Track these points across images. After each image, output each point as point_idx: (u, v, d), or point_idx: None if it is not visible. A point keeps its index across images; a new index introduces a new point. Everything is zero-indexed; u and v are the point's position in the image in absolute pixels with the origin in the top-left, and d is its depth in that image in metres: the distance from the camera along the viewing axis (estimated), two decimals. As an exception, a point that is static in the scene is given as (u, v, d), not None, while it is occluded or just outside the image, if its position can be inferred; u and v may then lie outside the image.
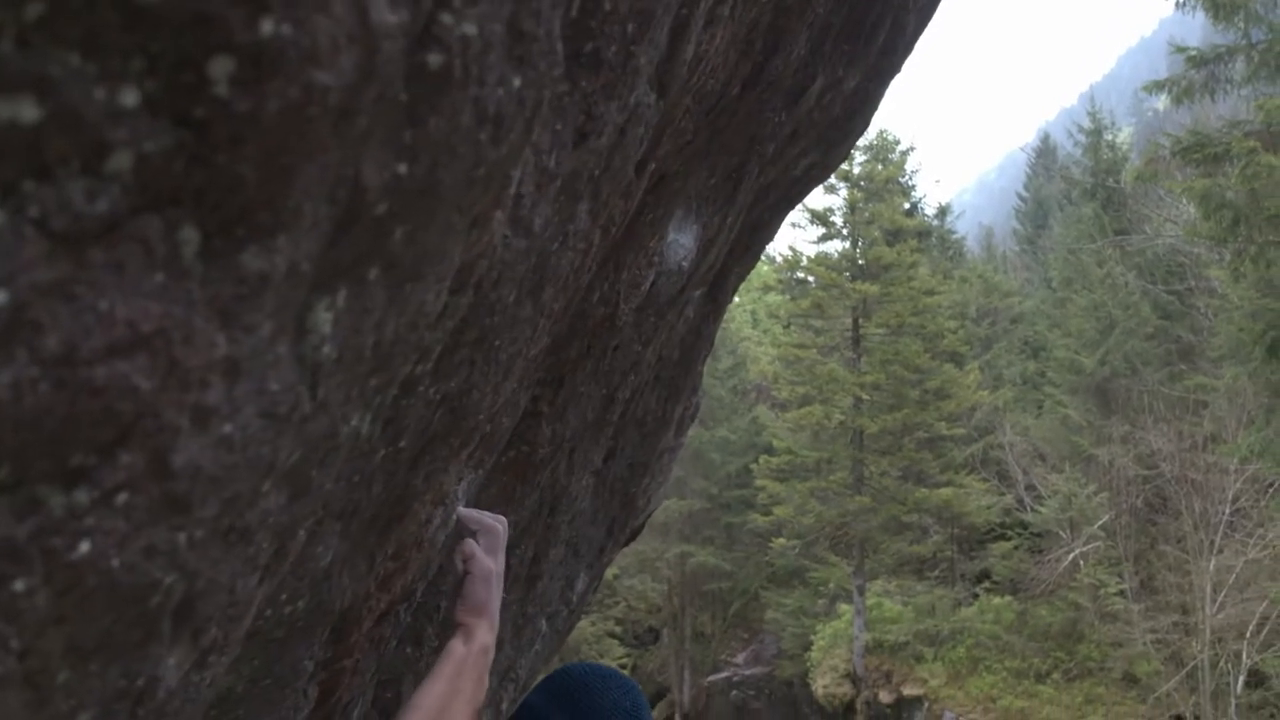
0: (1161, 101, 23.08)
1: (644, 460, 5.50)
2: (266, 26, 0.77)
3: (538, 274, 1.87)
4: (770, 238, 6.13)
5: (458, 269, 1.36)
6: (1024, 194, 67.18)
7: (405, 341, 1.28)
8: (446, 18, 0.95)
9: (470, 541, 2.51)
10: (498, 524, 2.62)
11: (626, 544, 7.02)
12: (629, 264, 3.34)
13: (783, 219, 6.01)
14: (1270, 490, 26.77)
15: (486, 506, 3.44)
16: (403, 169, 0.99)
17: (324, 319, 1.03)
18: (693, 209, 3.75)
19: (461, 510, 2.62)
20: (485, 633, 2.40)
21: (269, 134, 0.82)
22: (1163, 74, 23.27)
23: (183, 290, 0.84)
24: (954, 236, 58.09)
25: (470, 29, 0.98)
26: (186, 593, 1.06)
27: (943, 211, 56.69)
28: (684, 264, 3.80)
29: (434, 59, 0.96)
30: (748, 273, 6.29)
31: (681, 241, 3.77)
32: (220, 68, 0.77)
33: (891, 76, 5.43)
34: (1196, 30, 40.32)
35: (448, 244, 1.21)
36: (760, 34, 3.01)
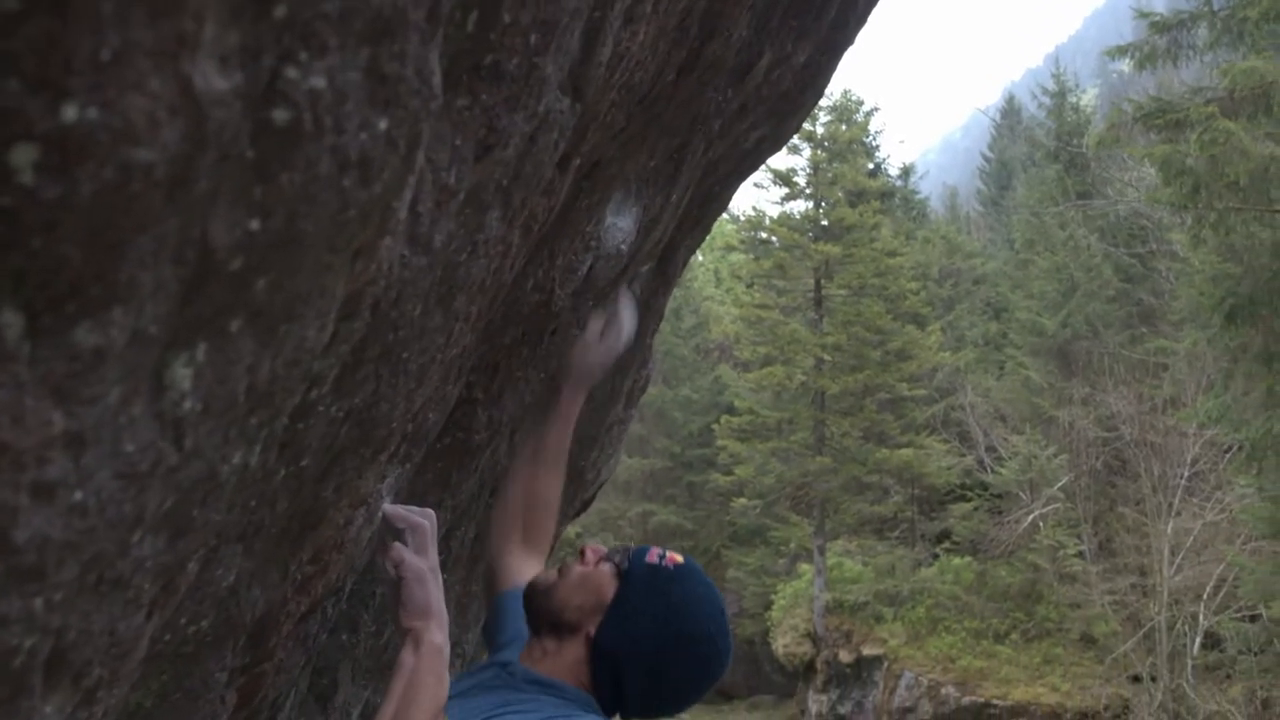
0: (1125, 64, 23.03)
1: (592, 434, 5.48)
2: (69, 113, 0.73)
3: (446, 285, 1.83)
4: (722, 209, 6.11)
5: (346, 298, 1.32)
6: (988, 154, 67.12)
7: (288, 377, 1.25)
8: (291, 73, 0.92)
9: (398, 546, 2.50)
10: (424, 520, 2.61)
11: (576, 516, 7.01)
12: (564, 250, 3.30)
13: (734, 190, 5.98)
14: (1228, 454, 26.90)
15: (421, 492, 3.41)
16: (255, 225, 0.96)
17: (183, 375, 1.00)
18: (632, 191, 3.70)
19: (387, 508, 2.60)
20: (434, 632, 2.39)
21: (88, 214, 0.78)
22: (1128, 36, 23.16)
23: (8, 374, 0.81)
24: (918, 197, 58.11)
25: (319, 82, 0.95)
26: (55, 647, 1.03)
27: (906, 172, 56.70)
28: (623, 247, 3.76)
29: (280, 115, 0.92)
30: (699, 244, 6.26)
31: (620, 225, 3.73)
32: (23, 156, 0.73)
33: (844, 49, 5.39)
34: (1162, -7, 40.32)
35: (325, 281, 1.18)
36: (695, 19, 2.96)
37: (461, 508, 3.86)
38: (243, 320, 1.04)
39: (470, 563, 4.51)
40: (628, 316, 3.52)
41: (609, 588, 2.65)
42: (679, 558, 2.73)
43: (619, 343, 3.47)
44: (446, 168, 1.53)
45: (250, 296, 1.03)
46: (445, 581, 4.34)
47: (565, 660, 2.65)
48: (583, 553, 2.77)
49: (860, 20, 5.32)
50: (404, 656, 2.38)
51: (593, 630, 2.61)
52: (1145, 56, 21.45)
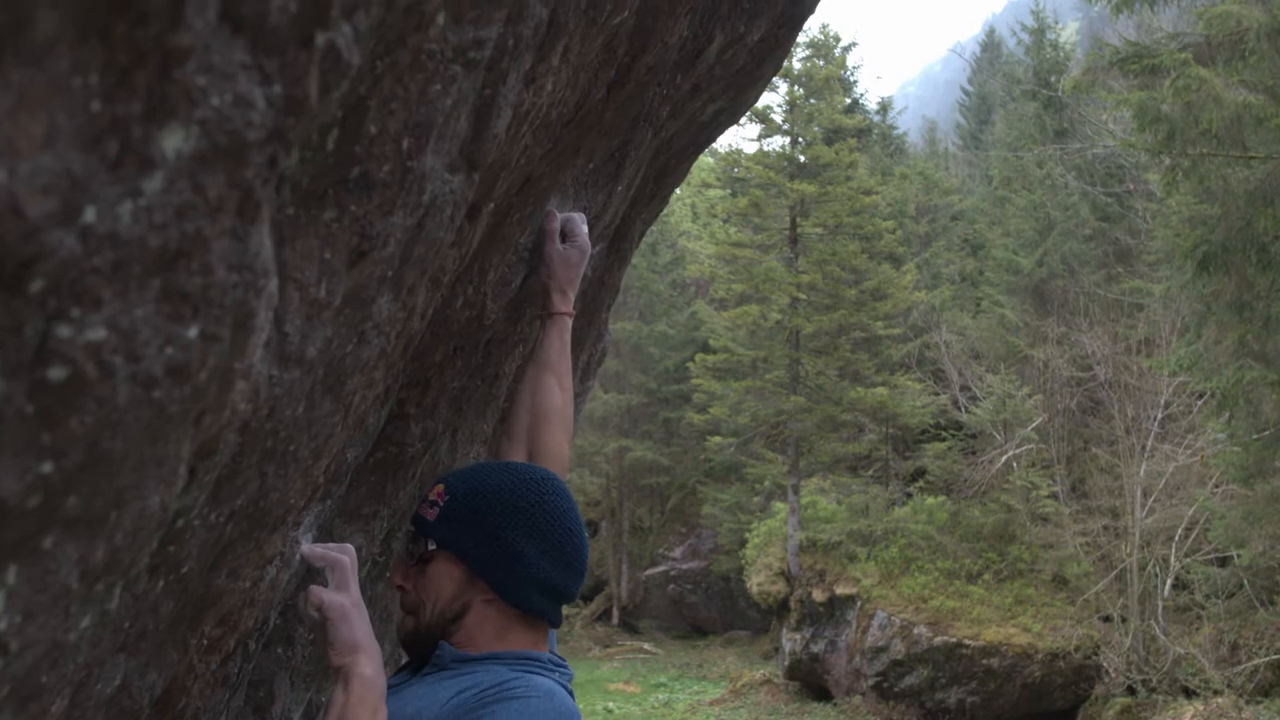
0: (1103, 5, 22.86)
1: (547, 410, 5.40)
2: None
3: (333, 376, 1.76)
4: (679, 181, 6.01)
5: (197, 449, 1.26)
6: (968, 88, 66.96)
7: (133, 544, 1.19)
8: (64, 331, 0.86)
9: (314, 589, 2.47)
10: (343, 556, 2.57)
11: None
12: (495, 265, 3.23)
13: (692, 162, 5.90)
14: (1201, 399, 26.99)
15: (354, 507, 3.36)
16: (48, 467, 0.90)
17: (-9, 600, 0.95)
18: (570, 196, 3.64)
19: (304, 550, 2.56)
20: (364, 666, 2.40)
21: None
22: (1110, -30, 23.14)
23: None
24: (896, 132, 57.92)
25: (96, 334, 0.88)
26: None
27: (884, 107, 56.48)
28: (563, 249, 3.70)
29: (56, 373, 0.86)
30: (656, 216, 6.18)
31: (561, 227, 3.68)
32: None
33: (805, 18, 5.27)
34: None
35: (162, 453, 1.12)
36: (622, 40, 2.87)
37: (402, 510, 3.81)
38: (57, 535, 0.99)
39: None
40: (577, 217, 3.51)
41: (447, 567, 2.65)
42: (438, 488, 2.77)
43: (585, 240, 3.47)
44: (315, 283, 1.46)
45: (62, 514, 0.97)
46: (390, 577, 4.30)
47: (482, 629, 2.65)
48: (394, 586, 2.79)
49: (816, -4, 5.21)
50: (336, 694, 2.37)
51: (488, 593, 2.63)
52: (1123, 0, 21.31)
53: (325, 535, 3.16)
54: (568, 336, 3.49)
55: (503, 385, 4.29)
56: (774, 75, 5.96)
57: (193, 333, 1.01)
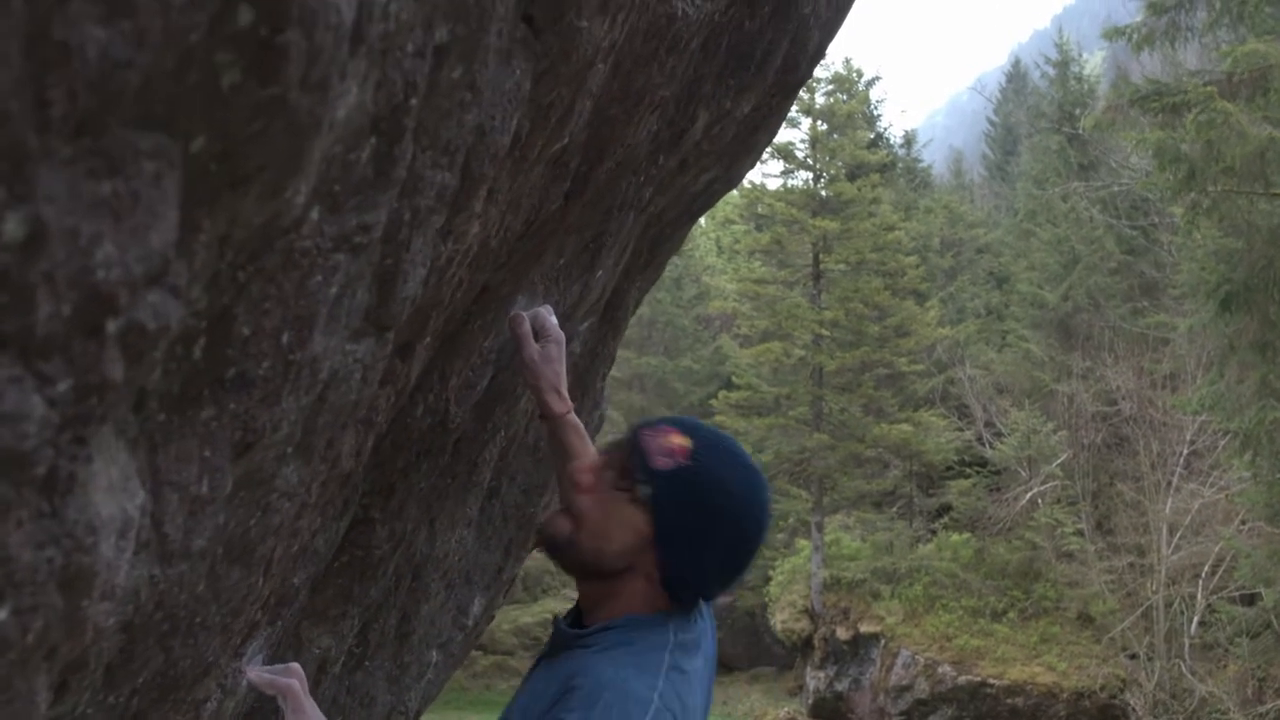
0: (1139, 13, 22.80)
1: (540, 482, 5.30)
2: None
3: (236, 550, 1.72)
4: (676, 248, 5.93)
5: (58, 674, 1.23)
6: (994, 119, 66.88)
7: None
8: None
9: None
10: (291, 680, 2.54)
11: (535, 548, 6.89)
12: (457, 370, 3.18)
13: (690, 227, 5.84)
14: (1227, 435, 26.81)
15: (320, 609, 3.31)
16: None
17: None
18: (539, 292, 3.57)
19: (251, 678, 2.52)
20: None
21: None
22: (1135, -1, 23.25)
23: None
24: (921, 165, 57.86)
25: None
26: None
27: (909, 140, 56.42)
28: (536, 344, 3.63)
29: None
30: (652, 283, 6.09)
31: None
32: None
33: (799, 86, 5.20)
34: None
35: (7, 698, 1.09)
36: (574, 153, 2.79)
37: (375, 605, 3.75)
38: None
39: (399, 640, 4.40)
40: (543, 312, 3.40)
41: (640, 519, 2.45)
42: (683, 441, 2.51)
43: (558, 331, 3.23)
44: (196, 481, 1.42)
45: None
46: (369, 665, 4.26)
47: (626, 598, 2.49)
48: (576, 481, 2.57)
49: (815, 59, 5.10)
50: None
51: (652, 570, 2.45)
52: (1143, 38, 21.34)
53: (290, 640, 3.12)
54: (580, 428, 3.25)
55: (484, 471, 4.24)
56: (771, 139, 5.90)
57: (4, 613, 0.98)
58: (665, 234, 5.24)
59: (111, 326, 0.96)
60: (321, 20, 0.95)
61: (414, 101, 1.44)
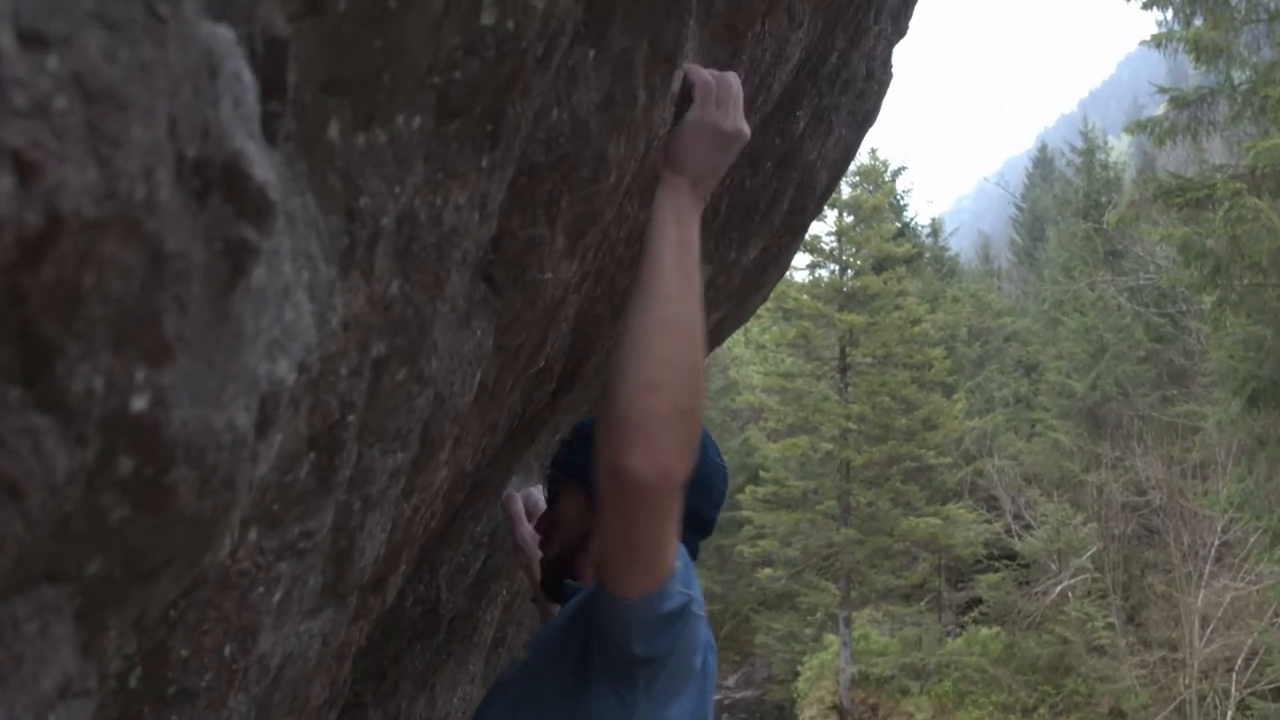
0: (1161, 107, 22.85)
1: (553, 618, 5.26)
2: None
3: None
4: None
5: None
6: (1021, 205, 66.89)
7: None
8: None
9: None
10: None
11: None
12: (448, 559, 3.15)
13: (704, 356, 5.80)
14: (1259, 529, 26.60)
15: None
16: None
17: None
18: (534, 470, 3.56)
19: None
20: None
21: None
22: (1162, 82, 23.25)
23: None
24: (948, 254, 57.83)
25: None
26: None
27: (935, 230, 56.44)
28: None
29: None
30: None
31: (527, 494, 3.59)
32: None
33: (808, 225, 5.19)
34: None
35: None
36: (557, 361, 2.78)
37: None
38: None
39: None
40: (535, 492, 3.40)
41: (571, 500, 2.63)
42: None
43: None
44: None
45: None
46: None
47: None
48: (538, 530, 2.80)
49: (824, 198, 5.11)
50: None
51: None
52: (1165, 132, 21.41)
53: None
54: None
55: (485, 632, 4.21)
56: (783, 274, 5.89)
57: None
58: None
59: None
60: (212, 446, 0.92)
61: (352, 418, 1.42)
